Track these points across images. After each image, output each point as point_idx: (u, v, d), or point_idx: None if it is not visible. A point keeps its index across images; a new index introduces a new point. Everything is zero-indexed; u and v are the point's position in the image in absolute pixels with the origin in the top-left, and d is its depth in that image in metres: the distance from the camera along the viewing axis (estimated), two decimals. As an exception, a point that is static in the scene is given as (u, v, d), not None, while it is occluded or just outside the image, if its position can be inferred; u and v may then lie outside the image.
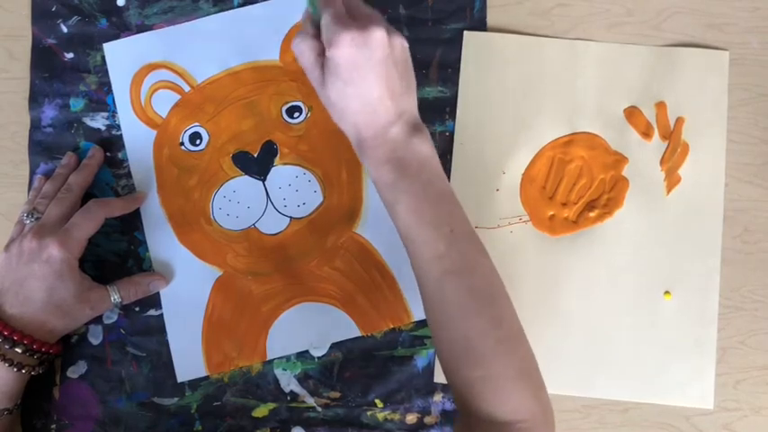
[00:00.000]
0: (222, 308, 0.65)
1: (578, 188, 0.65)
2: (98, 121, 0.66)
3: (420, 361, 0.64)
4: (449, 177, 0.65)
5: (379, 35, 0.50)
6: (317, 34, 0.52)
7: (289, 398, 0.64)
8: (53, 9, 0.67)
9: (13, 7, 0.68)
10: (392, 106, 0.52)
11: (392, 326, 0.65)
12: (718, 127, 0.65)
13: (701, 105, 0.65)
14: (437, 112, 0.66)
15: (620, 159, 0.65)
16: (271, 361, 0.65)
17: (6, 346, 0.57)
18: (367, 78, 0.51)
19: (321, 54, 0.51)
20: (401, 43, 0.53)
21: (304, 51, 0.52)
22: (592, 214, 0.65)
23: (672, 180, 0.65)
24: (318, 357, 0.65)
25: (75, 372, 0.65)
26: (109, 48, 0.67)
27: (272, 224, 0.65)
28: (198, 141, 0.66)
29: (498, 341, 0.52)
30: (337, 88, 0.51)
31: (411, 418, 0.64)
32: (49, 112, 0.67)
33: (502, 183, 0.65)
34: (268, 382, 0.64)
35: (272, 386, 0.64)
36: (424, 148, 0.53)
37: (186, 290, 0.65)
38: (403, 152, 0.52)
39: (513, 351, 0.52)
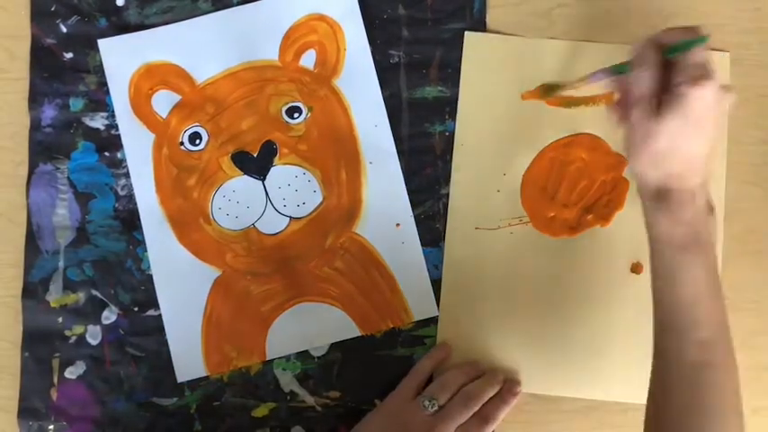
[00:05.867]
0: (221, 308, 0.65)
1: (579, 189, 0.65)
2: (98, 121, 0.66)
3: (420, 361, 0.64)
4: (449, 178, 0.65)
5: (727, 96, 0.51)
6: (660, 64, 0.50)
7: (288, 398, 0.64)
8: (52, 9, 0.67)
9: (12, 7, 0.68)
10: (704, 171, 0.52)
11: (392, 326, 0.64)
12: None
13: (701, 106, 0.65)
14: (437, 112, 0.66)
15: (620, 161, 0.65)
16: (270, 361, 0.64)
17: None
18: (707, 131, 0.50)
19: (658, 90, 0.50)
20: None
21: (645, 81, 0.50)
22: (592, 216, 0.65)
23: (672, 180, 0.65)
24: (318, 357, 0.64)
25: (73, 372, 0.64)
26: (104, 44, 0.66)
27: (272, 224, 0.65)
28: (197, 141, 0.66)
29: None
30: (675, 127, 0.49)
31: (411, 419, 0.64)
32: (49, 112, 0.66)
33: (502, 184, 0.65)
34: (268, 381, 0.64)
35: (271, 386, 0.64)
36: (713, 233, 0.53)
37: (185, 290, 0.65)
38: (701, 225, 0.52)
39: None
